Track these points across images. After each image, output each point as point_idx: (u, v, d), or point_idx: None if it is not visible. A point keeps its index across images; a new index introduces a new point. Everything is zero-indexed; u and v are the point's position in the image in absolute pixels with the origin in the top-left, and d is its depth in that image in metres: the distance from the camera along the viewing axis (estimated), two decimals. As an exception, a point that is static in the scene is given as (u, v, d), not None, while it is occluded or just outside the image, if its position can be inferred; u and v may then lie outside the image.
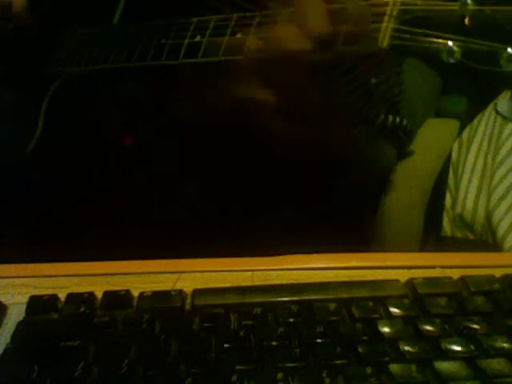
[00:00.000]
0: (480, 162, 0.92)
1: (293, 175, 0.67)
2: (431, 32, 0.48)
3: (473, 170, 0.92)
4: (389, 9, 0.51)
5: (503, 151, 0.91)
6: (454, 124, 1.00)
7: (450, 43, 0.47)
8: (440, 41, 0.48)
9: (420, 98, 0.99)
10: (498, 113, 0.90)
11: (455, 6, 0.48)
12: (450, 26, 0.48)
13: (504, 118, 0.81)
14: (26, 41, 0.70)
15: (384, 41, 0.50)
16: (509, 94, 0.84)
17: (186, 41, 0.61)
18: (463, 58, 0.47)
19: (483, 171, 0.91)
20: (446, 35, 0.48)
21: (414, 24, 0.49)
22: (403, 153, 0.83)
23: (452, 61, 0.47)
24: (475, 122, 0.97)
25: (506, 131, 0.91)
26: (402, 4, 0.51)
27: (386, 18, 0.51)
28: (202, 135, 0.69)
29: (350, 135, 0.64)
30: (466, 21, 0.47)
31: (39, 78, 0.71)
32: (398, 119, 0.79)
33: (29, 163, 0.71)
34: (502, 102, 0.81)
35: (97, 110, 0.71)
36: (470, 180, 0.91)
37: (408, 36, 0.49)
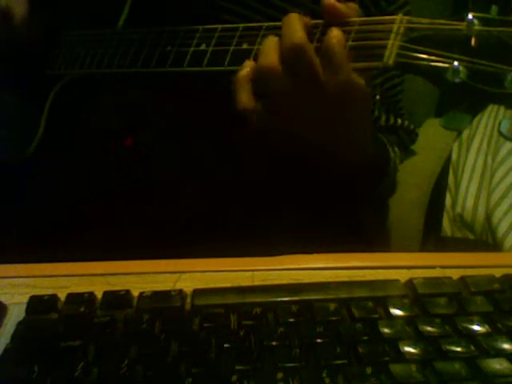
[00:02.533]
0: (480, 162, 0.92)
1: (293, 175, 0.67)
2: (437, 51, 0.48)
3: (473, 170, 0.92)
4: (395, 26, 0.51)
5: (503, 151, 0.91)
6: (454, 124, 1.00)
7: (456, 63, 0.47)
8: (446, 60, 0.48)
9: (420, 98, 0.99)
10: (500, 133, 0.90)
11: (461, 26, 0.48)
12: (455, 45, 0.48)
13: (506, 138, 0.81)
14: (29, 43, 0.70)
15: (390, 58, 0.50)
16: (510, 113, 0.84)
17: (192, 49, 0.61)
18: (468, 78, 0.47)
19: (483, 171, 0.91)
20: (452, 55, 0.48)
21: (421, 42, 0.49)
22: (404, 152, 0.83)
23: (457, 80, 0.47)
24: (475, 121, 0.97)
25: (506, 131, 0.91)
26: (409, 22, 0.51)
27: (392, 36, 0.51)
28: (202, 136, 0.69)
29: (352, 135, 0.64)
30: (472, 41, 0.47)
31: (42, 79, 0.71)
32: (399, 120, 0.79)
33: (30, 164, 0.71)
34: (504, 122, 0.81)
35: (98, 112, 0.71)
36: (469, 180, 0.91)
37: (414, 54, 0.49)
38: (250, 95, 0.56)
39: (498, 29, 0.46)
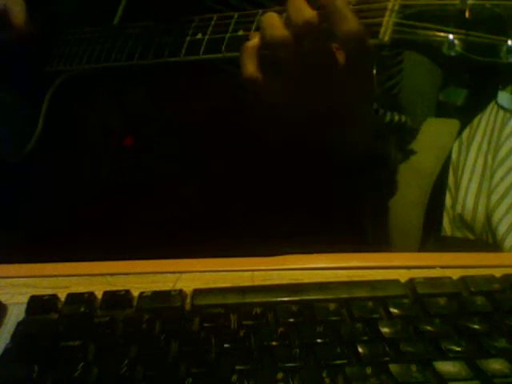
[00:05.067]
0: (480, 162, 0.92)
1: (293, 175, 0.67)
2: (432, 26, 0.48)
3: (473, 170, 0.92)
4: (390, 4, 0.51)
5: (503, 151, 0.91)
6: (454, 124, 1.00)
7: (451, 36, 0.47)
8: (441, 34, 0.48)
9: (420, 97, 0.99)
10: (498, 105, 0.90)
11: (455, 0, 0.48)
12: (451, 20, 0.48)
13: (504, 109, 0.81)
14: (26, 41, 0.70)
15: (386, 35, 0.50)
16: (509, 86, 0.84)
17: (188, 38, 0.61)
18: (464, 51, 0.47)
19: (483, 171, 0.91)
20: (447, 29, 0.48)
21: (416, 18, 0.50)
22: (404, 151, 0.83)
23: (453, 54, 0.47)
24: (475, 122, 0.97)
25: (507, 131, 0.91)
26: None
27: (387, 13, 0.51)
28: (202, 135, 0.69)
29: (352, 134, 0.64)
30: (467, 14, 0.47)
31: (40, 77, 0.71)
32: (397, 116, 0.79)
33: (29, 163, 0.71)
34: (502, 94, 0.81)
35: (97, 109, 0.71)
36: (469, 180, 0.91)
37: (409, 30, 0.49)
38: (257, 66, 0.55)
39: (491, 1, 0.47)
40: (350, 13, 0.51)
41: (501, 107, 0.90)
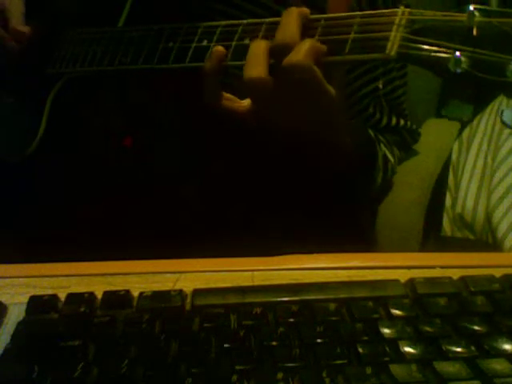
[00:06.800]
0: (480, 162, 0.92)
1: (293, 176, 0.67)
2: (439, 42, 0.48)
3: (473, 170, 0.92)
4: (397, 18, 0.51)
5: (503, 151, 0.90)
6: (454, 124, 1.00)
7: (457, 53, 0.47)
8: (447, 50, 0.48)
9: (420, 98, 0.99)
10: (503, 122, 0.90)
11: (463, 17, 0.48)
12: (457, 36, 0.48)
13: (509, 127, 0.81)
14: (29, 42, 0.70)
15: (392, 49, 0.50)
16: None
17: (193, 45, 0.61)
18: (470, 68, 0.47)
19: (483, 171, 0.91)
20: (454, 45, 0.48)
21: (423, 34, 0.50)
22: (406, 152, 0.83)
23: (459, 70, 0.47)
24: (475, 122, 0.97)
25: (506, 132, 0.91)
26: (411, 14, 0.51)
27: (394, 27, 0.51)
28: (202, 136, 0.69)
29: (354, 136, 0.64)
30: (474, 32, 0.47)
31: (43, 79, 0.71)
32: (402, 120, 0.79)
33: (30, 163, 0.71)
34: (507, 112, 0.81)
35: (98, 110, 0.71)
36: (469, 180, 0.91)
37: (416, 45, 0.49)
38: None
39: (499, 19, 0.47)
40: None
41: (504, 124, 0.90)
